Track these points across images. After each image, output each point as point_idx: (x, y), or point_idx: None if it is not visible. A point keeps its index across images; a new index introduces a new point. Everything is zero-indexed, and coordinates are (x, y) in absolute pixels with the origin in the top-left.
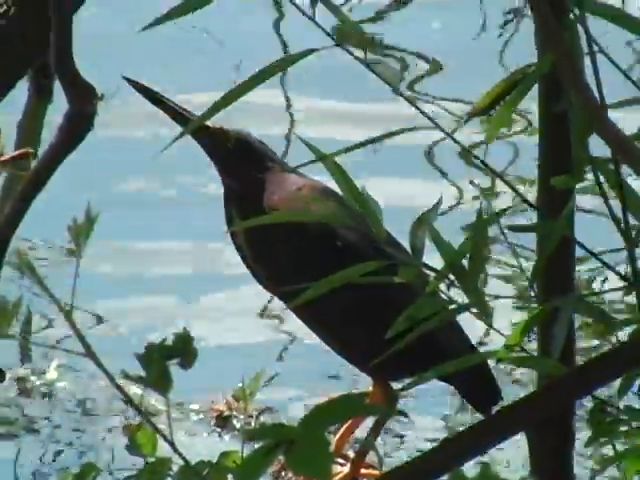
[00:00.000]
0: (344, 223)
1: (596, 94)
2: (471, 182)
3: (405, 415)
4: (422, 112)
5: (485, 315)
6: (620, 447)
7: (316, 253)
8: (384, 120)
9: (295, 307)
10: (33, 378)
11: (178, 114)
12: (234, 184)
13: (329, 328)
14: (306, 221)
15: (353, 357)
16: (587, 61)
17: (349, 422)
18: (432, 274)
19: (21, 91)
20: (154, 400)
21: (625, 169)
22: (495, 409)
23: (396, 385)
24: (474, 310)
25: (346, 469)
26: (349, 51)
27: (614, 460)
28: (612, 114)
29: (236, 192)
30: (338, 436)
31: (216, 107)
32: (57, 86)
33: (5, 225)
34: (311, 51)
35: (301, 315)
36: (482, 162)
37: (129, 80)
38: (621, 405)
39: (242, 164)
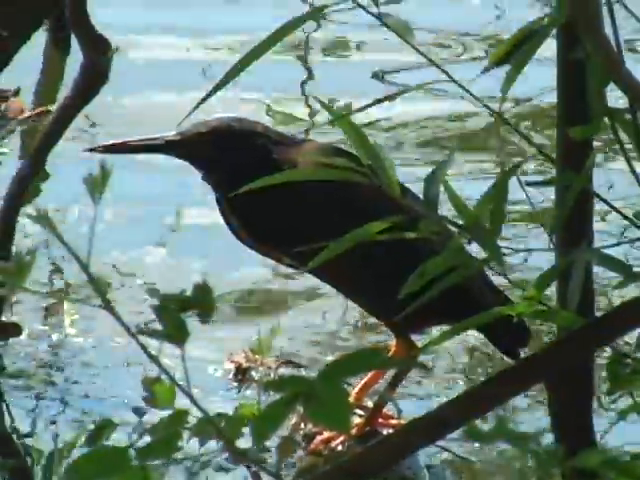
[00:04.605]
0: (360, 179)
1: (613, 43)
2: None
3: (426, 368)
4: (443, 71)
5: (503, 269)
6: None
7: (332, 212)
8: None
9: (315, 267)
10: (54, 334)
11: (147, 146)
12: (224, 179)
13: (352, 284)
14: (320, 180)
15: (377, 310)
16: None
17: (370, 375)
18: (452, 228)
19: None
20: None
21: None
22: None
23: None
24: (493, 265)
25: (362, 420)
26: (361, 5)
27: (633, 410)
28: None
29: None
30: (358, 388)
31: (236, 69)
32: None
33: (19, 179)
34: (321, 9)
35: (322, 273)
36: (498, 114)
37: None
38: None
39: (229, 156)
